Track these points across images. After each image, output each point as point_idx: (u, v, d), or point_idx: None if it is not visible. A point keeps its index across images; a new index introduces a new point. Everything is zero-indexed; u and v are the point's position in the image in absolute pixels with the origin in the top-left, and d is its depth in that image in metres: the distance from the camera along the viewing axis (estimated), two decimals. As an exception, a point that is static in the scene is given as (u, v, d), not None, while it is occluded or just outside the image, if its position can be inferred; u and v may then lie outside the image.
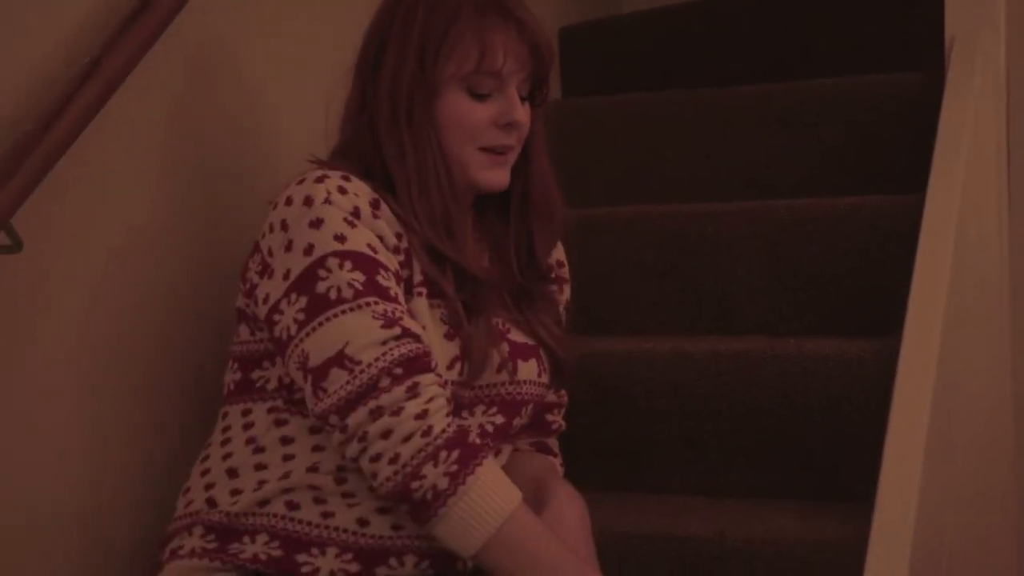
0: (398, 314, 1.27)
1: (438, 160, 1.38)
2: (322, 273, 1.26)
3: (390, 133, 1.38)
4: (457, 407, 1.36)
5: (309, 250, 1.28)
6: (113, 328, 1.50)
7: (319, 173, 1.32)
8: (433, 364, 1.28)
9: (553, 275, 1.54)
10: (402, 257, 1.34)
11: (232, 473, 1.35)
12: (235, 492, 1.34)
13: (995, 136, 2.11)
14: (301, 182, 1.32)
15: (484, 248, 1.49)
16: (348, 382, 1.24)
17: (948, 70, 1.94)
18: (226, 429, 1.39)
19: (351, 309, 1.25)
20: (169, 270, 1.57)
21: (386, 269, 1.29)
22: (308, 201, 1.29)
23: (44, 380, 1.41)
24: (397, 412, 1.23)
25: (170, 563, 1.34)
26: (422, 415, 1.24)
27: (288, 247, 1.29)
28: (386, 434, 1.23)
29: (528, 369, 1.43)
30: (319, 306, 1.26)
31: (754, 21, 2.48)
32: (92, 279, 1.47)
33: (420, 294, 1.34)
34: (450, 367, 1.34)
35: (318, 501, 1.33)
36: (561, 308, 1.55)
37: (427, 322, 1.33)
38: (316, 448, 1.33)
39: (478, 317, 1.38)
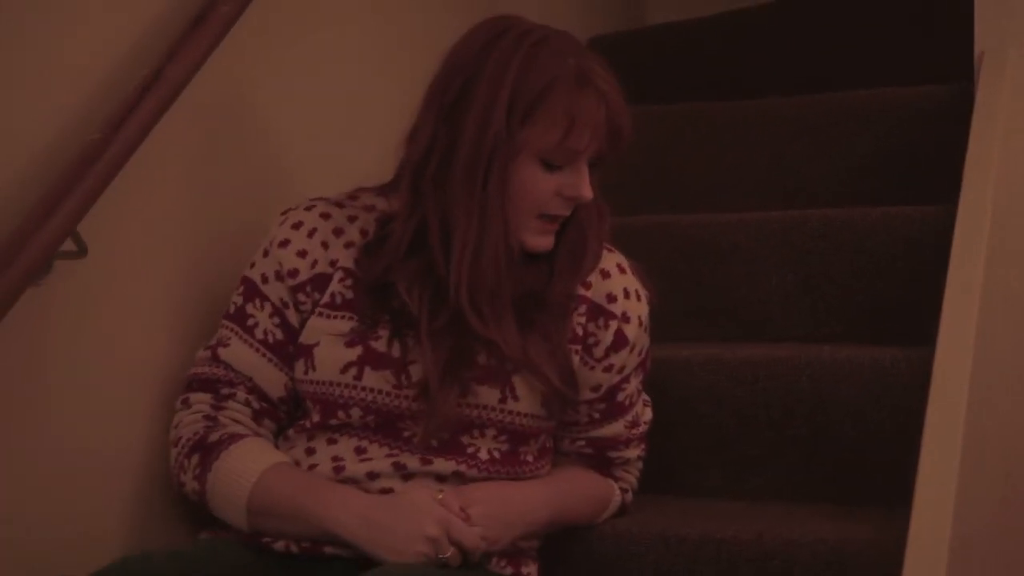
0: (230, 342, 1.44)
1: (500, 230, 1.35)
2: (238, 288, 1.48)
3: (464, 185, 1.34)
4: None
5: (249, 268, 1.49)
6: (172, 332, 1.54)
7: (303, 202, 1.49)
8: (229, 391, 1.43)
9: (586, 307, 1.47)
10: (301, 281, 1.43)
11: None
12: None
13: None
14: None
15: None
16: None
17: (978, 84, 1.97)
18: None
19: (219, 327, 1.48)
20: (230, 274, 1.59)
21: (264, 299, 1.44)
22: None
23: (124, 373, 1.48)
24: (175, 422, 1.45)
25: None
26: (176, 425, 1.44)
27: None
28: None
29: (486, 394, 1.40)
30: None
31: (784, 33, 2.51)
32: (155, 283, 1.52)
33: (321, 315, 1.42)
34: (343, 371, 1.39)
35: None
36: (606, 345, 1.48)
37: (321, 337, 1.41)
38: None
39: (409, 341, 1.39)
